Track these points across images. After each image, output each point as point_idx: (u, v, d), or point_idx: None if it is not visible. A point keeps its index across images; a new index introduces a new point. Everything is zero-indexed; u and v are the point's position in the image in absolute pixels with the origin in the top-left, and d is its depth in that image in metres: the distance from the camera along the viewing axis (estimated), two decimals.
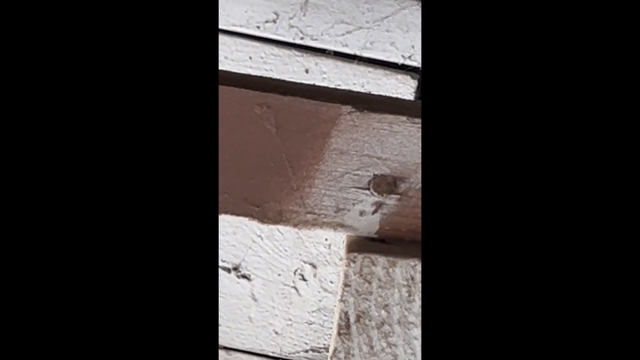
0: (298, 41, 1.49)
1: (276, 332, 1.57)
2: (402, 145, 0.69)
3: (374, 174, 0.69)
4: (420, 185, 0.70)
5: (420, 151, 0.69)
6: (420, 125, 0.68)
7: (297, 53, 1.50)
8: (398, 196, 0.70)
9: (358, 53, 1.57)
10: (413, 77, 1.58)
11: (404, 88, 1.59)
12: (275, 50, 1.50)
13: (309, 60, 1.50)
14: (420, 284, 0.68)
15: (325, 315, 1.55)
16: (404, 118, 0.68)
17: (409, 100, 0.75)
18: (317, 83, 1.50)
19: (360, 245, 0.69)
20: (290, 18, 1.48)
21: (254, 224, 1.49)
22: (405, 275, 0.68)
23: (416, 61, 1.57)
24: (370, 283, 0.67)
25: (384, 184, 0.70)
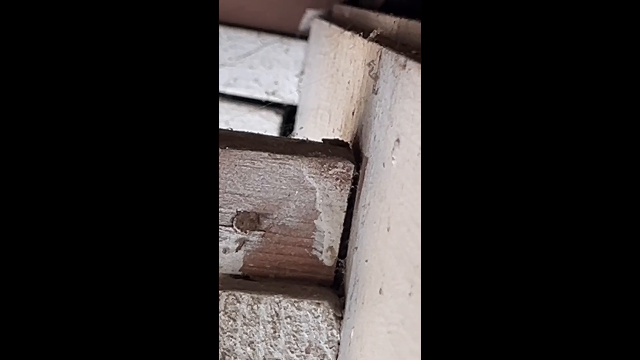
0: None
1: None
2: (264, 181, 0.69)
3: (237, 211, 0.69)
4: (282, 221, 0.70)
5: (284, 187, 0.69)
6: (281, 161, 0.69)
7: None
8: (261, 232, 0.70)
9: (222, 90, 1.57)
10: (277, 113, 1.59)
11: (269, 124, 1.60)
12: None
13: None
14: (284, 320, 0.68)
15: None
16: (265, 154, 0.69)
17: (271, 136, 0.75)
18: None
19: (224, 283, 0.69)
20: None
21: None
22: (269, 312, 0.67)
23: (280, 97, 1.58)
24: (235, 320, 0.67)
25: (247, 221, 0.70)
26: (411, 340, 0.47)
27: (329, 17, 1.38)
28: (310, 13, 1.54)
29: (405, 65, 0.58)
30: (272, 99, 1.58)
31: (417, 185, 0.50)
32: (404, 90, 0.57)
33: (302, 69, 1.57)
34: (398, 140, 0.57)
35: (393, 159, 0.58)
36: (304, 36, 1.57)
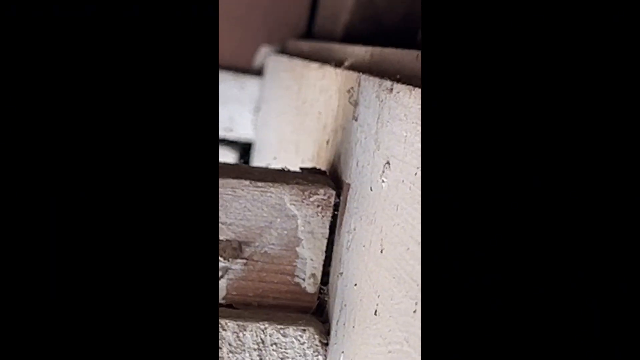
0: None
1: None
2: (246, 209, 0.69)
3: (219, 239, 0.69)
4: (264, 249, 0.70)
5: (266, 215, 0.69)
6: (263, 189, 0.69)
7: None
8: (244, 261, 0.70)
9: None
10: (233, 149, 1.59)
11: (225, 160, 1.60)
12: None
13: None
14: (270, 347, 0.67)
15: None
16: (247, 182, 0.69)
17: (251, 166, 0.75)
18: None
19: None
20: None
21: None
22: (255, 339, 0.67)
23: (236, 133, 1.58)
24: (220, 348, 0.66)
25: (230, 249, 0.69)
26: (417, 356, 0.47)
27: (285, 53, 1.39)
28: (264, 49, 1.55)
29: (392, 89, 0.59)
30: (228, 135, 1.58)
31: (415, 204, 0.51)
32: (393, 114, 0.58)
33: (257, 105, 1.58)
34: (388, 162, 0.58)
35: (383, 181, 0.58)
36: (259, 72, 1.58)
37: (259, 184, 0.69)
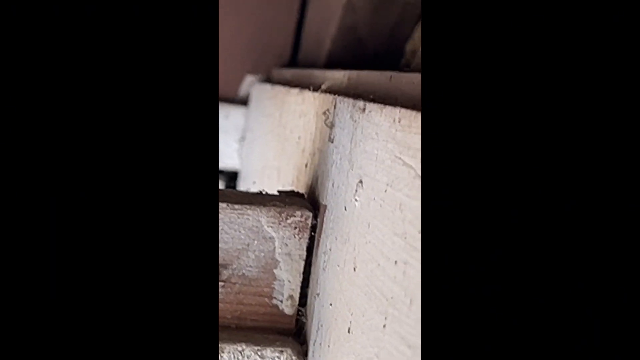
0: None
1: None
2: (223, 232, 0.69)
3: None
4: (242, 271, 0.70)
5: (243, 237, 0.69)
6: (240, 212, 0.69)
7: None
8: (222, 283, 0.70)
9: None
10: (220, 178, 1.59)
11: None
12: None
13: None
14: None
15: None
16: (224, 205, 0.69)
17: (228, 189, 0.75)
18: None
19: None
20: None
21: None
22: None
23: (221, 163, 1.58)
24: None
25: None
26: None
27: (269, 81, 1.40)
28: (249, 78, 1.56)
29: (364, 109, 0.59)
30: None
31: (385, 220, 0.51)
32: (365, 133, 0.58)
33: (242, 135, 1.58)
34: (361, 181, 0.58)
35: (356, 200, 0.59)
36: (243, 102, 1.58)
37: (236, 206, 0.70)
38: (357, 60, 1.19)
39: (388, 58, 1.19)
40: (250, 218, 0.70)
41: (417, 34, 1.11)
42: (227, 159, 1.60)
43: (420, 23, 1.14)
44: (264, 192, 0.75)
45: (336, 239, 0.64)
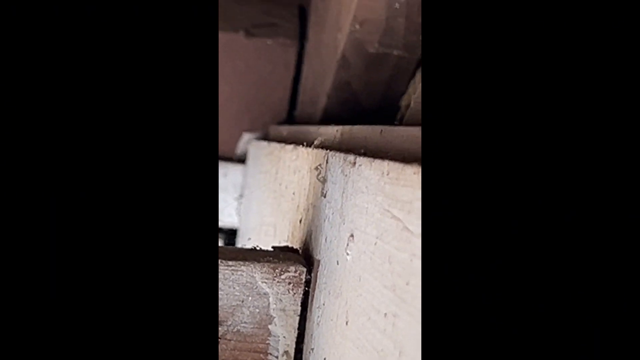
0: None
1: None
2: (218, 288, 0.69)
3: None
4: (237, 327, 0.70)
5: (238, 293, 0.69)
6: (234, 268, 0.69)
7: None
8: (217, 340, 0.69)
9: None
10: (219, 236, 1.60)
11: None
12: None
13: None
14: None
15: None
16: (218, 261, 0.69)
17: (222, 246, 0.75)
18: None
19: None
20: None
21: None
22: None
23: (220, 221, 1.59)
24: None
25: None
26: None
27: (267, 138, 1.41)
28: (246, 136, 1.57)
29: (355, 163, 0.60)
30: None
31: (375, 273, 0.51)
32: (356, 186, 0.59)
33: (240, 192, 1.59)
34: (352, 235, 0.58)
35: (348, 254, 0.59)
36: (242, 160, 1.59)
37: (230, 262, 0.70)
38: (352, 115, 1.20)
39: (383, 113, 1.20)
40: (245, 274, 0.70)
41: (412, 88, 1.12)
42: (226, 216, 1.61)
43: (415, 78, 1.15)
44: (257, 248, 0.75)
45: (329, 293, 0.63)
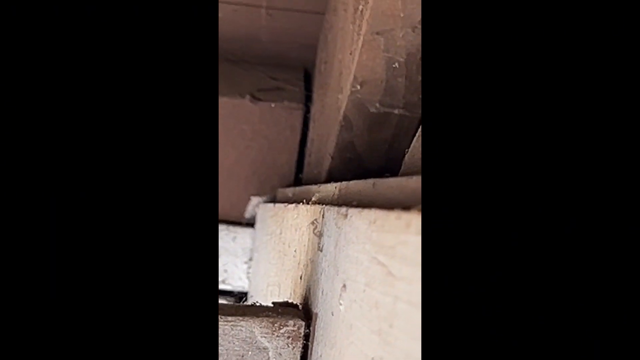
0: None
1: None
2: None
3: None
4: None
5: (237, 349, 0.70)
6: (233, 323, 0.70)
7: None
8: None
9: None
10: (227, 301, 1.60)
11: None
12: None
13: None
14: None
15: None
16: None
17: (221, 302, 0.76)
18: None
19: None
20: None
21: None
22: None
23: (230, 285, 1.59)
24: None
25: None
26: None
27: (274, 202, 1.43)
28: (254, 200, 1.58)
29: (347, 215, 0.61)
30: (222, 287, 1.59)
31: (363, 320, 0.52)
32: (347, 237, 0.60)
33: (250, 256, 1.60)
34: (344, 285, 0.59)
35: (340, 304, 0.59)
36: (250, 223, 1.60)
37: (229, 318, 0.70)
38: (356, 175, 1.21)
39: (387, 172, 1.21)
40: (244, 329, 0.70)
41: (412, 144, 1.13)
42: (236, 280, 1.61)
43: (417, 135, 1.16)
44: (257, 304, 0.75)
45: (325, 344, 0.64)
